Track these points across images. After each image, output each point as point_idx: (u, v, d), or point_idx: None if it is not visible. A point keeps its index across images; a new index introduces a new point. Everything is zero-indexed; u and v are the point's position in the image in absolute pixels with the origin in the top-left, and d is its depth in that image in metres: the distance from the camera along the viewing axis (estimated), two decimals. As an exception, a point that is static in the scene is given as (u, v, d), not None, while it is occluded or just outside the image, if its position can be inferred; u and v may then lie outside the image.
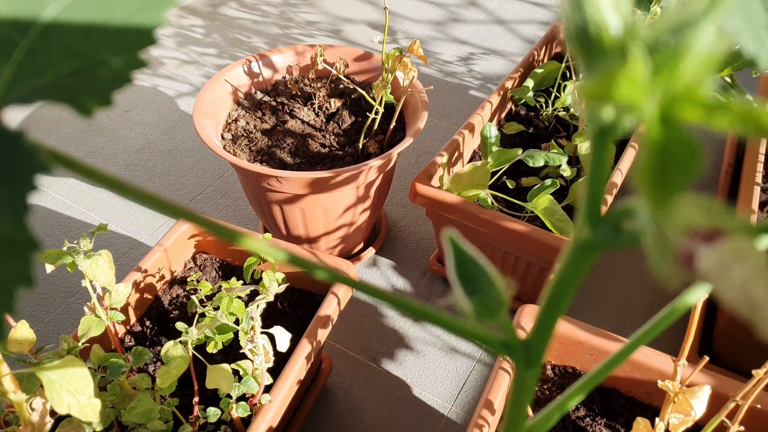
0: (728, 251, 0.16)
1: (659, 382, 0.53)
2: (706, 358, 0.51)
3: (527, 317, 0.72)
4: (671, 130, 0.16)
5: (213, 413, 0.68)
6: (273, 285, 0.67)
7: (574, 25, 0.18)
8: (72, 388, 0.40)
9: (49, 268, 0.66)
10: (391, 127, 1.03)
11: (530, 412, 0.65)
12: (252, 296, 0.83)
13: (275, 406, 0.68)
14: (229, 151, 1.01)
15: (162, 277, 0.87)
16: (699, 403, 0.51)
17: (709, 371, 0.65)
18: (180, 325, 0.66)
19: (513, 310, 1.04)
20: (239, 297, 0.76)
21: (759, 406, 0.60)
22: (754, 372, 0.51)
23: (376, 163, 0.89)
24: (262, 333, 0.66)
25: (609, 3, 0.17)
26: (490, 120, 1.11)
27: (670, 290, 1.07)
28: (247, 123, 1.07)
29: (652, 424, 0.55)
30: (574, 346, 0.72)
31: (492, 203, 0.95)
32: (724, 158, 1.27)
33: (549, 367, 0.75)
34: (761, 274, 0.15)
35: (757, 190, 0.95)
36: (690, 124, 0.17)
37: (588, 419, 0.69)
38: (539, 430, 0.28)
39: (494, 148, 0.98)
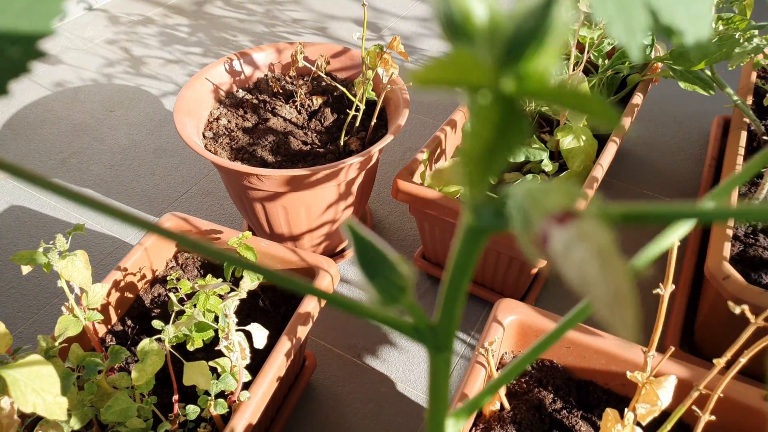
0: (574, 233, 0.16)
1: (628, 373, 0.53)
2: (672, 349, 0.51)
3: (504, 311, 0.72)
4: (508, 111, 0.16)
5: (192, 410, 0.68)
6: (246, 282, 0.67)
7: (443, 14, 0.18)
8: (37, 387, 0.40)
9: (26, 269, 0.66)
10: (373, 124, 1.03)
11: (506, 403, 0.65)
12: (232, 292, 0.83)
13: (254, 403, 0.68)
14: (210, 150, 1.01)
15: (143, 277, 0.87)
16: (665, 392, 0.51)
17: (682, 361, 0.66)
18: (157, 323, 0.66)
19: (487, 302, 1.04)
20: (220, 295, 0.76)
21: (722, 395, 0.61)
22: (715, 361, 0.52)
23: (355, 160, 0.90)
24: (237, 330, 0.66)
25: None
26: (473, 116, 1.12)
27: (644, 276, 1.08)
28: (229, 121, 1.07)
29: (623, 416, 0.56)
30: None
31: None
32: (707, 152, 1.28)
33: (527, 360, 0.75)
34: (597, 255, 0.16)
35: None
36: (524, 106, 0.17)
37: (564, 411, 0.70)
38: (465, 415, 0.28)
39: (475, 144, 0.99)
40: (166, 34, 1.79)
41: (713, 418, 0.58)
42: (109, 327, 0.84)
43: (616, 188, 1.26)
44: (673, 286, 0.52)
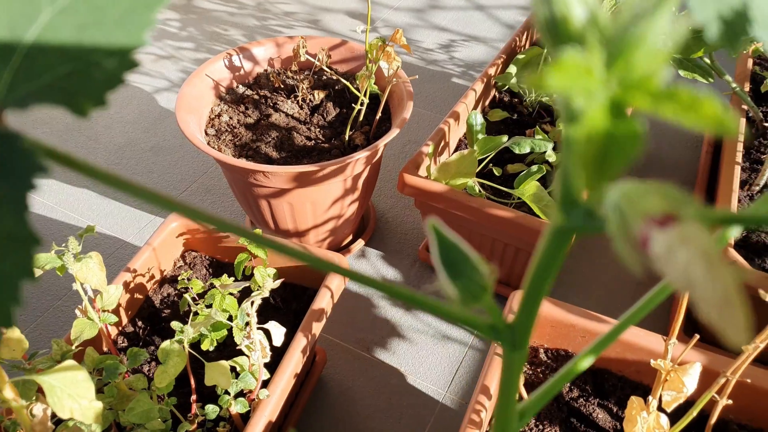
0: (677, 235, 0.16)
1: (652, 362, 0.54)
2: (697, 337, 0.52)
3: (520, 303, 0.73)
4: (619, 118, 0.16)
5: (212, 410, 0.68)
6: (268, 281, 0.67)
7: (542, 16, 0.19)
8: (73, 393, 0.40)
9: (38, 271, 0.65)
10: (377, 118, 1.03)
11: (524, 394, 0.66)
12: (244, 292, 0.83)
13: (273, 401, 0.69)
14: (213, 147, 1.00)
15: (152, 277, 0.86)
16: (691, 380, 0.52)
17: (697, 348, 0.67)
18: (175, 324, 0.66)
19: (504, 297, 1.05)
20: (231, 293, 0.76)
21: (749, 380, 0.62)
22: (743, 347, 0.52)
23: (362, 155, 0.89)
24: (257, 329, 0.66)
25: None
26: (475, 107, 1.12)
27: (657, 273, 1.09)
28: (231, 118, 1.07)
29: (645, 401, 0.56)
30: (566, 330, 0.73)
31: (479, 191, 0.96)
32: (704, 139, 1.29)
33: (542, 350, 0.76)
34: (702, 257, 0.16)
35: (737, 169, 0.97)
36: (639, 113, 0.17)
37: (581, 399, 0.70)
38: (532, 411, 0.29)
39: (480, 136, 0.99)
40: (157, 29, 1.77)
41: (730, 402, 0.59)
42: (120, 328, 0.83)
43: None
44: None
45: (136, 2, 0.20)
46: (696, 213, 0.17)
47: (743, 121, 1.07)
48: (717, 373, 0.57)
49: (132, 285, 0.83)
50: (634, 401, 0.54)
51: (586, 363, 0.29)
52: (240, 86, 1.12)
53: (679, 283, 0.16)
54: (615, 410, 0.70)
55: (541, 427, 0.68)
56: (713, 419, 0.63)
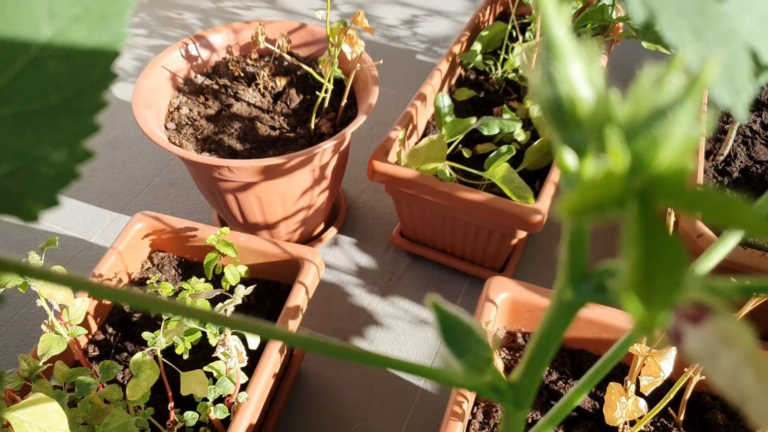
0: (715, 334, 0.15)
1: (629, 348, 0.55)
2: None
3: (496, 289, 0.73)
4: (655, 229, 0.15)
5: (191, 417, 0.67)
6: (240, 288, 0.65)
7: (546, 99, 0.17)
8: (44, 426, 0.38)
9: (-2, 288, 0.63)
10: (343, 104, 1.01)
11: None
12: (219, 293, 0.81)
13: (253, 404, 0.68)
14: (174, 142, 0.97)
15: (120, 281, 0.84)
16: (667, 364, 0.53)
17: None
18: (146, 335, 0.64)
19: (479, 278, 1.05)
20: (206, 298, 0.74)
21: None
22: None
23: (329, 144, 0.88)
24: (232, 334, 0.65)
25: (582, 75, 0.17)
26: (441, 88, 1.10)
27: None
28: (191, 110, 1.03)
29: (623, 384, 0.57)
30: (543, 313, 0.74)
31: (450, 174, 0.95)
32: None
33: (519, 335, 0.76)
34: (749, 361, 0.14)
35: (701, 140, 0.98)
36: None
37: (561, 382, 0.71)
38: None
39: (448, 119, 0.98)
40: (107, 15, 1.69)
41: (704, 377, 0.61)
42: (90, 337, 0.81)
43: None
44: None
45: (82, 84, 0.18)
46: (729, 297, 0.15)
47: (705, 91, 1.08)
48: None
49: (99, 292, 0.80)
50: (613, 387, 0.54)
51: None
52: (198, 76, 1.08)
53: (729, 390, 0.15)
54: (594, 391, 0.71)
55: (522, 411, 0.69)
56: (687, 394, 0.65)
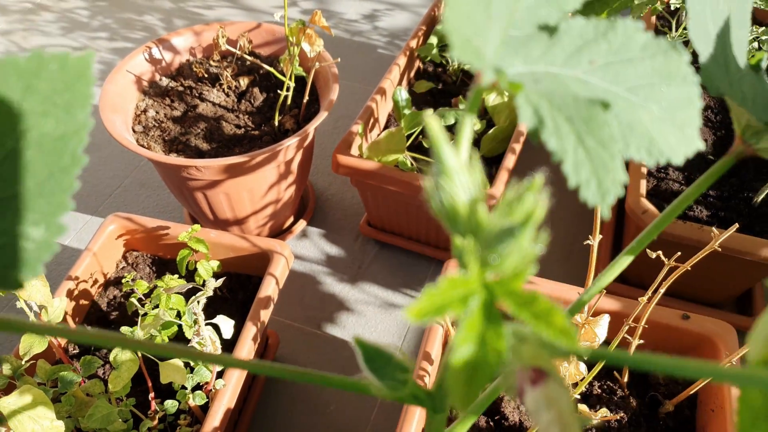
0: (543, 395, 0.19)
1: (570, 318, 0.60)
2: (604, 291, 0.58)
3: (454, 270, 0.78)
4: (492, 322, 0.19)
5: (171, 405, 0.71)
6: (211, 281, 0.69)
7: (436, 202, 0.22)
8: (34, 414, 0.42)
9: (-22, 293, 0.66)
10: (305, 100, 1.04)
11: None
12: (191, 288, 0.85)
13: (230, 390, 0.72)
14: (143, 145, 1.00)
15: (96, 282, 0.87)
16: (601, 330, 0.58)
17: (614, 296, 0.73)
18: (124, 329, 0.68)
19: (444, 261, 1.10)
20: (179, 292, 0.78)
21: (647, 323, 0.69)
22: (639, 299, 0.59)
23: (293, 141, 0.91)
24: (206, 324, 0.69)
25: (461, 184, 0.22)
26: (400, 82, 1.15)
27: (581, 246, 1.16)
28: (157, 112, 1.06)
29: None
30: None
31: (411, 164, 1.00)
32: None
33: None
34: (559, 421, 0.18)
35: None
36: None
37: (517, 354, 0.77)
38: (463, 430, 0.33)
39: (406, 111, 1.02)
40: (66, 19, 1.70)
41: (642, 342, 0.66)
42: (69, 336, 0.84)
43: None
44: (601, 236, 0.58)
45: (53, 168, 0.21)
46: (557, 374, 0.20)
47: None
48: (628, 316, 0.63)
49: (76, 292, 0.83)
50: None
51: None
52: (163, 78, 1.11)
53: None
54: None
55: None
56: (631, 358, 0.70)
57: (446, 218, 0.22)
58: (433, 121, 0.22)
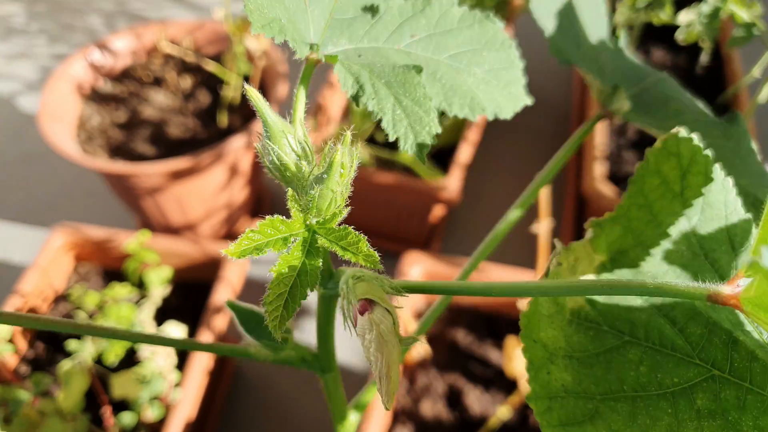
0: (368, 320, 0.22)
1: (518, 302, 0.60)
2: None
3: (409, 264, 0.78)
4: (311, 253, 0.22)
5: (128, 419, 0.69)
6: (157, 289, 0.68)
7: (269, 162, 0.25)
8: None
9: None
10: (252, 99, 1.02)
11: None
12: (142, 298, 0.83)
13: (188, 399, 0.70)
14: (89, 153, 0.97)
15: (45, 297, 0.84)
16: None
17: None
18: (73, 343, 0.65)
19: (398, 252, 1.10)
20: (129, 301, 0.76)
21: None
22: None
23: (238, 141, 0.90)
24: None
25: (287, 145, 0.25)
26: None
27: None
28: (102, 119, 1.03)
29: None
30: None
31: (367, 158, 0.99)
32: (573, 73, 1.38)
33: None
34: (377, 339, 0.21)
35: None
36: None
37: (476, 344, 0.77)
38: (362, 409, 0.34)
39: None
40: (0, 26, 1.63)
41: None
42: (21, 356, 0.81)
43: (500, 124, 1.34)
44: (553, 221, 0.59)
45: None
46: (385, 297, 0.24)
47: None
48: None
49: (25, 309, 0.81)
50: (511, 340, 0.60)
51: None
52: (106, 83, 1.08)
53: (367, 359, 0.22)
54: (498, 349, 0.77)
55: (443, 375, 0.74)
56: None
57: (277, 174, 0.25)
58: (252, 91, 0.27)
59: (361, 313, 0.22)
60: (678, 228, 0.25)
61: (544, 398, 0.25)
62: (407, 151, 0.26)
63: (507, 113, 0.30)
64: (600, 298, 0.25)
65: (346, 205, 0.25)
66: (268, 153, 0.25)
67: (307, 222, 0.23)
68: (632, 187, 0.26)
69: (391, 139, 0.26)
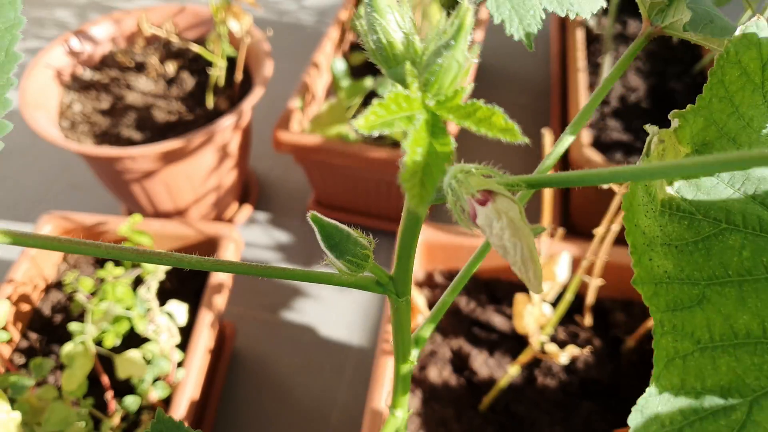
0: (493, 210, 0.21)
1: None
2: (561, 230, 0.59)
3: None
4: (438, 133, 0.20)
5: (132, 401, 0.68)
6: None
7: (371, 43, 0.23)
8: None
9: None
10: (239, 80, 1.01)
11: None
12: (137, 282, 0.81)
13: (192, 378, 0.69)
14: (72, 140, 0.95)
15: (36, 286, 0.82)
16: (561, 268, 0.59)
17: (568, 242, 0.75)
18: (75, 325, 0.64)
19: (393, 233, 1.10)
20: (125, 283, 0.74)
21: (608, 258, 0.71)
22: (594, 231, 0.60)
23: (228, 121, 0.89)
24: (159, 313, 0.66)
25: (394, 23, 0.23)
26: (335, 54, 1.13)
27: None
28: (84, 106, 1.01)
29: (528, 296, 0.63)
30: (455, 251, 0.79)
31: (356, 135, 0.98)
32: (551, 50, 1.39)
33: (437, 273, 0.81)
34: (509, 226, 0.20)
35: (582, 75, 1.06)
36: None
37: (479, 309, 0.77)
38: (425, 337, 0.33)
39: (345, 83, 1.01)
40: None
41: (602, 281, 0.68)
42: (15, 346, 0.79)
43: (488, 99, 1.34)
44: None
45: None
46: (505, 189, 0.22)
47: (580, 32, 1.16)
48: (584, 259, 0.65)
49: (16, 299, 0.79)
50: (519, 297, 0.60)
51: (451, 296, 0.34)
52: (86, 71, 1.05)
53: (497, 248, 0.21)
54: (508, 312, 0.77)
55: (448, 341, 0.74)
56: (589, 299, 0.72)
57: (382, 56, 0.23)
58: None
59: (483, 204, 0.21)
60: (760, 120, 0.25)
61: (649, 283, 0.25)
62: (512, 36, 0.26)
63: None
64: (690, 190, 0.25)
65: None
66: (373, 30, 0.23)
67: (426, 101, 0.21)
68: (712, 78, 0.26)
69: (497, 21, 0.25)
